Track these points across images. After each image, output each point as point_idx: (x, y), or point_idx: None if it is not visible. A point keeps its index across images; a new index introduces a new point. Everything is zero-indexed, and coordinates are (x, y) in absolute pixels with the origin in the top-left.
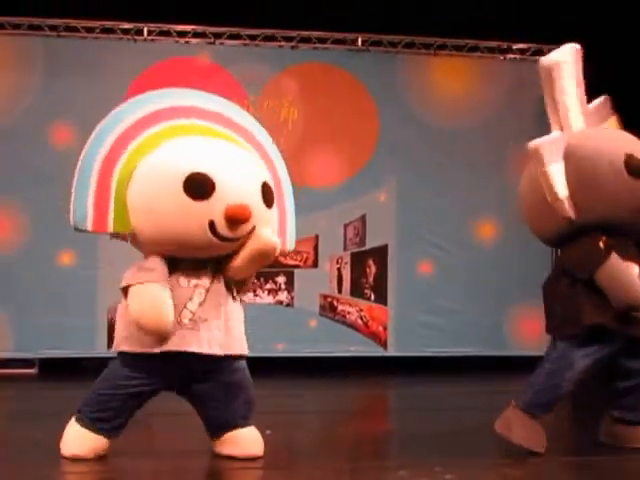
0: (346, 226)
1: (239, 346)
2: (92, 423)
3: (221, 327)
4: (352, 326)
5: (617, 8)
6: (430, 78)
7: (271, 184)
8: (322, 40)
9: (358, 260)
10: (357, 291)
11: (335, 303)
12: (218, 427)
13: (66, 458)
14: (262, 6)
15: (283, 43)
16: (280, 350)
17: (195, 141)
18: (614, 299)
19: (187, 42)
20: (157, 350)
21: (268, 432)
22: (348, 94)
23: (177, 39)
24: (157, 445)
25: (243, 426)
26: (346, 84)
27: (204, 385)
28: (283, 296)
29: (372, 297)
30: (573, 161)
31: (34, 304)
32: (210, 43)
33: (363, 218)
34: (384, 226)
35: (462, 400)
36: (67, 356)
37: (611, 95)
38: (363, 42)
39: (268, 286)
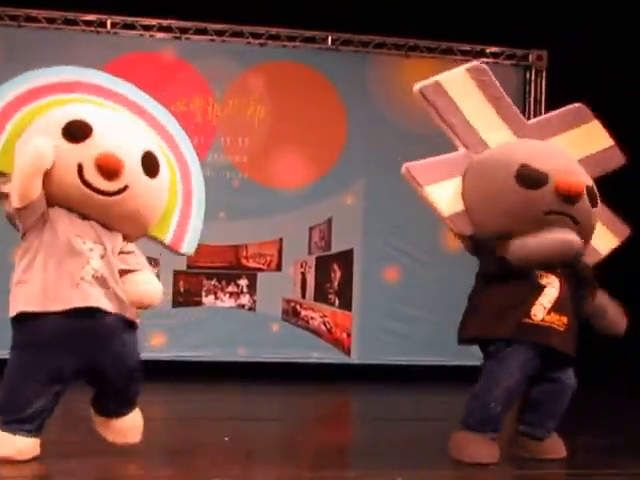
0: (311, 229)
1: (131, 312)
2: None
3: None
4: (315, 332)
5: (587, 12)
6: (401, 80)
7: (159, 159)
8: (291, 38)
9: (323, 264)
10: (321, 296)
11: (298, 308)
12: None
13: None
14: (230, 1)
15: (251, 40)
16: (241, 354)
17: (88, 105)
18: (545, 258)
19: (152, 36)
20: (60, 308)
21: (226, 439)
22: (316, 94)
23: (142, 32)
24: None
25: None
26: (315, 84)
27: (106, 355)
28: (245, 299)
29: (336, 302)
30: (469, 177)
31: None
32: (176, 38)
33: (329, 221)
34: (350, 230)
35: (425, 409)
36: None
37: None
38: (333, 41)
39: (230, 289)
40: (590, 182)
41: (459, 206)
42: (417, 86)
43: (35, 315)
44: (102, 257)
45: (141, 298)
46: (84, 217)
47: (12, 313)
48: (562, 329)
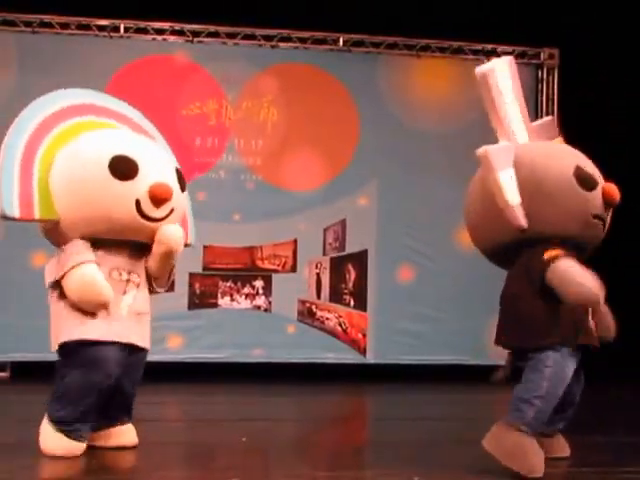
0: (326, 230)
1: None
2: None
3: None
4: (331, 332)
5: (599, 10)
6: (412, 80)
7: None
8: (303, 40)
9: (338, 265)
10: (336, 297)
11: (314, 309)
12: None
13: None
14: (242, 4)
15: (263, 42)
16: (257, 356)
17: (114, 132)
18: (571, 298)
19: (164, 40)
20: (109, 339)
21: (244, 439)
22: (329, 95)
23: (154, 36)
24: None
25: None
26: (327, 85)
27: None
28: (261, 301)
29: (351, 303)
30: (523, 170)
31: (6, 306)
32: (188, 41)
33: (343, 222)
34: (364, 231)
35: (441, 409)
36: (39, 359)
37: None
38: (345, 42)
39: (245, 290)
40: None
41: (518, 197)
42: (481, 68)
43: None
44: (137, 286)
45: None
46: (119, 246)
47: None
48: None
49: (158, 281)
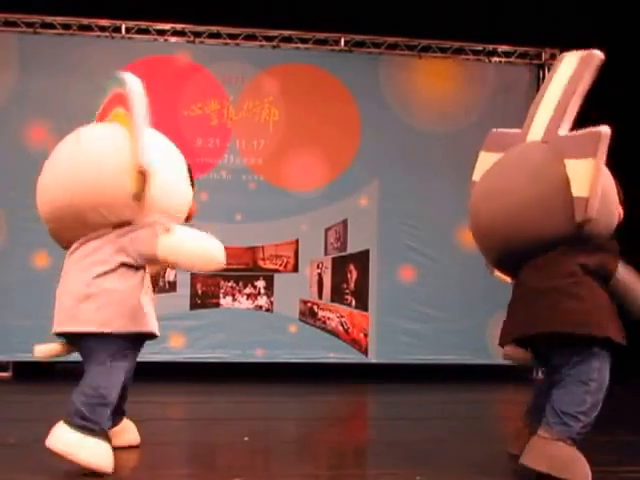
0: (327, 230)
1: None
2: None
3: None
4: (332, 332)
5: (600, 12)
6: (414, 80)
7: None
8: (304, 40)
9: (339, 265)
10: (338, 297)
11: (315, 309)
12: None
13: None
14: (243, 5)
15: (264, 43)
16: (259, 356)
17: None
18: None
19: (166, 40)
20: (152, 330)
21: (246, 439)
22: (330, 95)
23: (156, 37)
24: None
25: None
26: (328, 85)
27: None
28: (262, 301)
29: (353, 303)
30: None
31: (8, 306)
32: (190, 42)
33: (344, 222)
34: (366, 231)
35: (444, 408)
36: (42, 360)
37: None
38: (346, 43)
39: (247, 291)
40: None
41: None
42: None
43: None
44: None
45: None
46: None
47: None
48: None
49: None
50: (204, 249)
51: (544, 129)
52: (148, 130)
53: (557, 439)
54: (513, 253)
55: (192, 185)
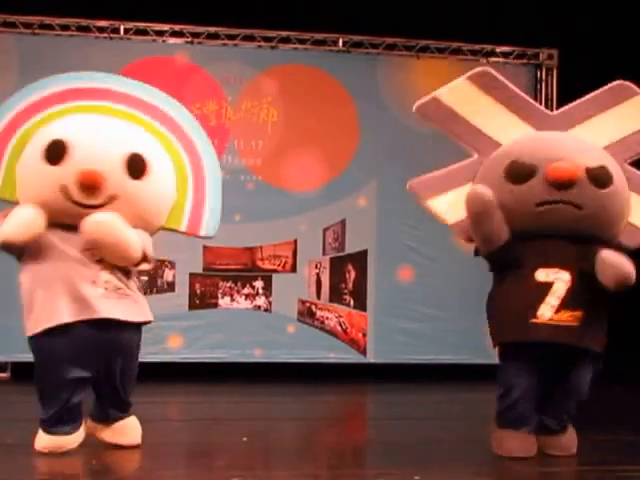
0: (325, 230)
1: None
2: None
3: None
4: (331, 332)
5: (598, 12)
6: (412, 80)
7: (149, 156)
8: (302, 41)
9: (337, 265)
10: (336, 297)
11: (314, 309)
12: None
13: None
14: (241, 6)
15: (262, 43)
16: (257, 356)
17: (75, 117)
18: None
19: (164, 41)
20: (72, 319)
21: (244, 439)
22: (328, 96)
23: (154, 38)
24: None
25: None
26: (326, 86)
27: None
28: (261, 301)
29: (351, 303)
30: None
31: (6, 307)
32: (188, 42)
33: (343, 222)
34: (364, 231)
35: (441, 408)
36: None
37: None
38: (344, 43)
39: (245, 291)
40: (595, 164)
41: (463, 213)
42: (415, 104)
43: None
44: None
45: None
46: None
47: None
48: (576, 324)
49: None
50: (127, 238)
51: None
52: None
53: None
54: None
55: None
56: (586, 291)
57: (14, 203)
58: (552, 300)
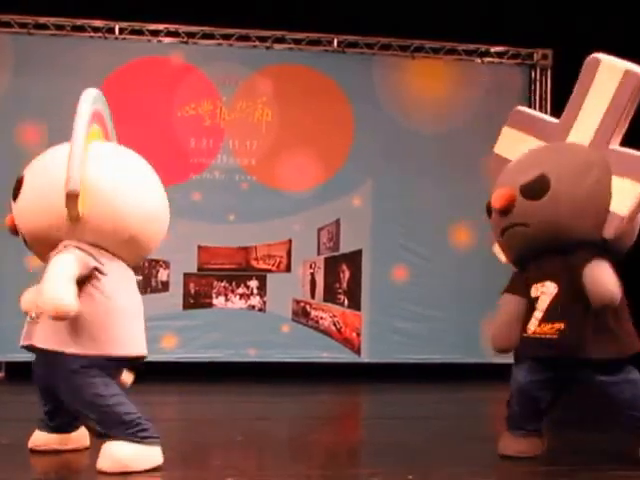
0: (320, 230)
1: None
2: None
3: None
4: (325, 332)
5: (592, 13)
6: (407, 81)
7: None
8: (297, 41)
9: (332, 265)
10: (330, 296)
11: (308, 308)
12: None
13: None
14: (236, 6)
15: (257, 43)
16: (252, 355)
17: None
18: None
19: (159, 41)
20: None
21: (239, 438)
22: (323, 96)
23: (149, 38)
24: None
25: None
26: (321, 86)
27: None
28: (255, 301)
29: (346, 303)
30: None
31: (0, 307)
32: (183, 42)
33: (337, 222)
34: (358, 231)
35: (437, 408)
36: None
37: None
38: (339, 43)
39: (240, 290)
40: (529, 177)
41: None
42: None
43: None
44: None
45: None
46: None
47: None
48: (556, 336)
49: None
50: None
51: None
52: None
53: None
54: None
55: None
56: (573, 301)
57: None
58: (537, 314)
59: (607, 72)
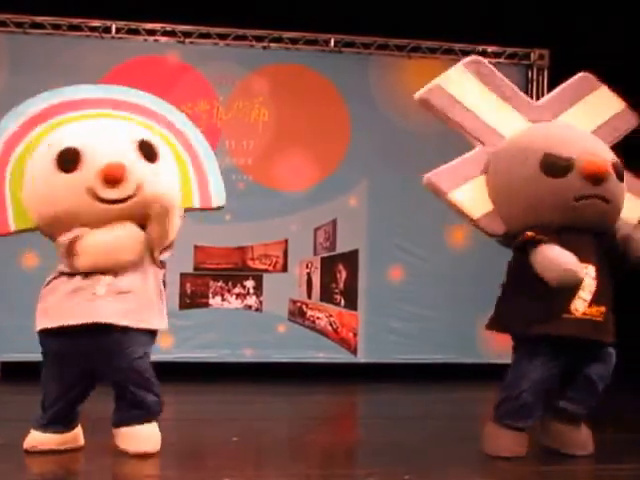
0: (316, 230)
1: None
2: None
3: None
4: (321, 332)
5: (589, 13)
6: (403, 80)
7: (156, 142)
8: (294, 41)
9: (328, 265)
10: (327, 296)
11: (304, 308)
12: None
13: None
14: (233, 5)
15: (254, 43)
16: (248, 355)
17: (71, 126)
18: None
19: (156, 40)
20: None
21: (235, 439)
22: (320, 96)
23: (146, 37)
24: None
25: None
26: (318, 86)
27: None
28: (251, 300)
29: (342, 303)
30: (492, 173)
31: None
32: (180, 42)
33: (334, 222)
34: (355, 230)
35: (433, 408)
36: (30, 360)
37: None
38: (335, 43)
39: (236, 290)
40: (615, 157)
41: (488, 206)
42: (418, 94)
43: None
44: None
45: None
46: None
47: None
48: (601, 319)
49: (160, 245)
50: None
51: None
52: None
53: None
54: None
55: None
56: (606, 286)
57: (32, 230)
58: (585, 295)
59: (603, 97)
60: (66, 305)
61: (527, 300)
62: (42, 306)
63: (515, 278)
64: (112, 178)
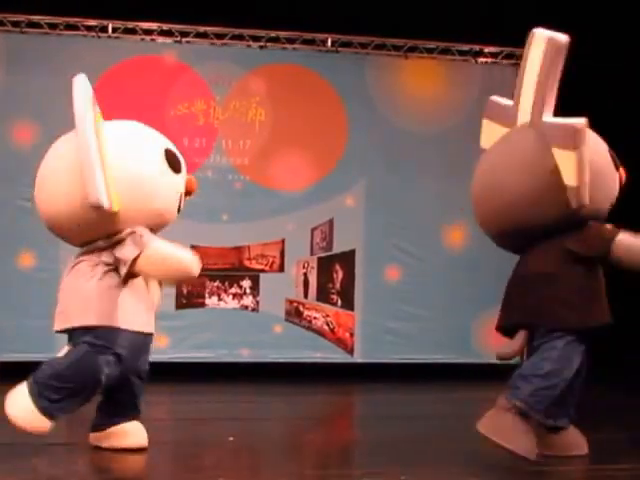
0: (313, 230)
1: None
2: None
3: None
4: (318, 332)
5: (587, 13)
6: (400, 80)
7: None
8: (291, 40)
9: (325, 265)
10: (323, 296)
11: (301, 308)
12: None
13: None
14: (230, 5)
15: (251, 43)
16: (245, 355)
17: (140, 124)
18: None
19: (153, 40)
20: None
21: (231, 439)
22: (317, 96)
23: (143, 37)
24: None
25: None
26: (315, 85)
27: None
28: (248, 301)
29: (339, 302)
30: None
31: None
32: (177, 42)
33: (331, 222)
34: (352, 230)
35: (429, 408)
36: (27, 359)
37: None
38: (333, 43)
39: (233, 290)
40: None
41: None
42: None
43: None
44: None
45: None
46: None
47: None
48: None
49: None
50: (179, 261)
51: (529, 113)
52: (108, 124)
53: (507, 409)
54: (512, 242)
55: (178, 169)
56: None
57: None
58: None
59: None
60: (144, 311)
61: (584, 291)
62: (124, 306)
63: (564, 270)
64: (193, 190)
